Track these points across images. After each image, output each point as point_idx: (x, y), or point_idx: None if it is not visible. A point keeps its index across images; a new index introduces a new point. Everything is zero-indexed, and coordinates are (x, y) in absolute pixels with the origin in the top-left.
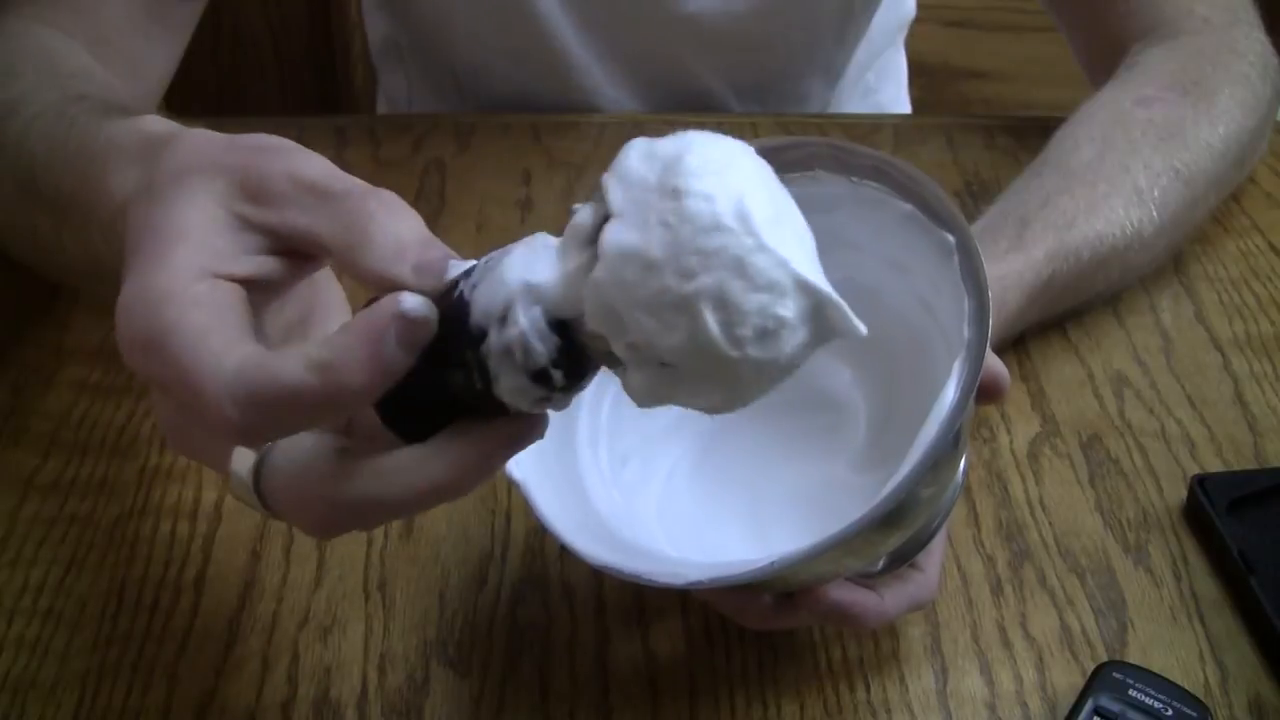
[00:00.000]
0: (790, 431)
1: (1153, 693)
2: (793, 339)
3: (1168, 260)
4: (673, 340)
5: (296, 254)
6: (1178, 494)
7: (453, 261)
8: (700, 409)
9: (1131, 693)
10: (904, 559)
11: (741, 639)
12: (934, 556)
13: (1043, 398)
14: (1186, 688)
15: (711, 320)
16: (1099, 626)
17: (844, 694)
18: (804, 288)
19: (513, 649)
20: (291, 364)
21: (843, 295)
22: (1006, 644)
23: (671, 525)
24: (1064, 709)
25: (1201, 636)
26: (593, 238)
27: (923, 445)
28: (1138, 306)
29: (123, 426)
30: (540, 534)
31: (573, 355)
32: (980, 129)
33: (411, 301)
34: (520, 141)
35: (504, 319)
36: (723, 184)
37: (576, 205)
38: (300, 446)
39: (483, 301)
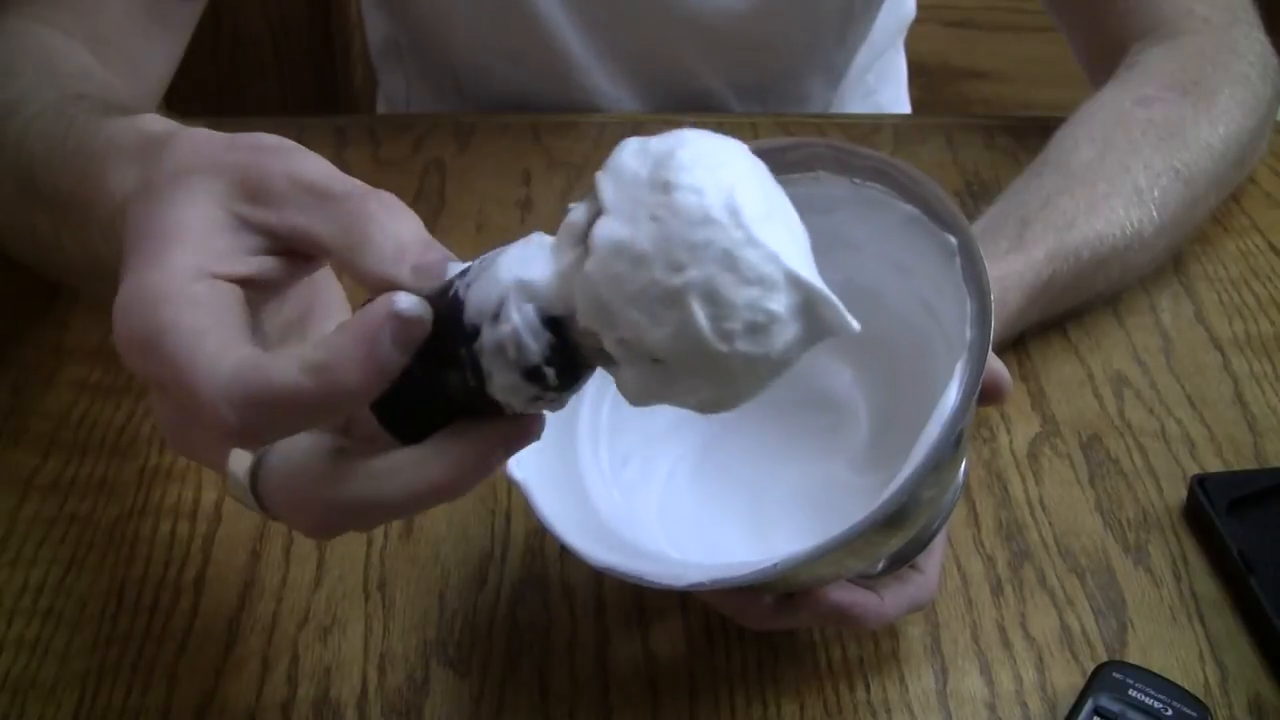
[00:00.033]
0: (791, 431)
1: (1152, 693)
2: (784, 334)
3: (1168, 260)
4: (661, 334)
5: (295, 254)
6: (1178, 494)
7: (451, 264)
8: (694, 408)
9: (1131, 693)
10: (904, 560)
11: (741, 639)
12: (934, 557)
13: (1042, 398)
14: (1186, 688)
15: (700, 314)
16: (1099, 626)
17: (844, 694)
18: (795, 282)
19: (513, 649)
20: (287, 365)
21: (843, 296)
22: (1006, 644)
23: (672, 525)
24: (1064, 709)
25: (1201, 636)
26: (586, 235)
27: (925, 447)
28: (1138, 306)
29: (122, 426)
30: (540, 534)
31: (566, 353)
32: (980, 129)
33: (406, 301)
34: (520, 141)
35: (497, 316)
36: (713, 178)
37: (572, 204)
38: (297, 447)
39: (476, 299)
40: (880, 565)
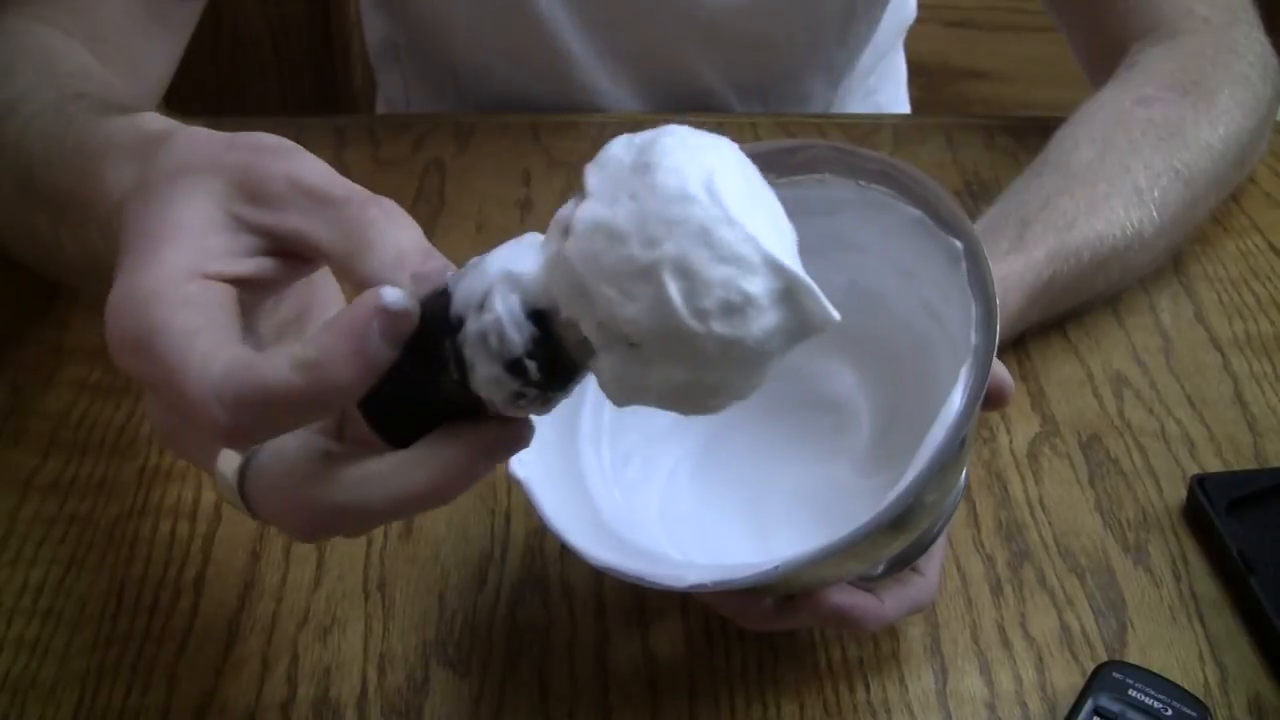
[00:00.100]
0: (793, 432)
1: (1152, 693)
2: (761, 320)
3: (1167, 260)
4: (635, 311)
5: (292, 255)
6: (1177, 494)
7: (450, 273)
8: (673, 405)
9: (1131, 693)
10: (905, 562)
11: (741, 639)
12: (934, 560)
13: (1042, 398)
14: (1186, 688)
15: (674, 289)
16: (1099, 626)
17: (844, 694)
18: (773, 266)
19: (512, 649)
20: (277, 364)
21: (847, 298)
22: (1006, 644)
23: (672, 524)
24: (1064, 709)
25: (1201, 636)
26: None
27: (929, 451)
28: (1137, 306)
29: (122, 426)
30: (540, 534)
31: (549, 347)
32: (980, 129)
33: (392, 295)
34: (520, 141)
35: (482, 306)
36: (694, 160)
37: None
38: (285, 449)
39: (464, 292)
40: (881, 568)
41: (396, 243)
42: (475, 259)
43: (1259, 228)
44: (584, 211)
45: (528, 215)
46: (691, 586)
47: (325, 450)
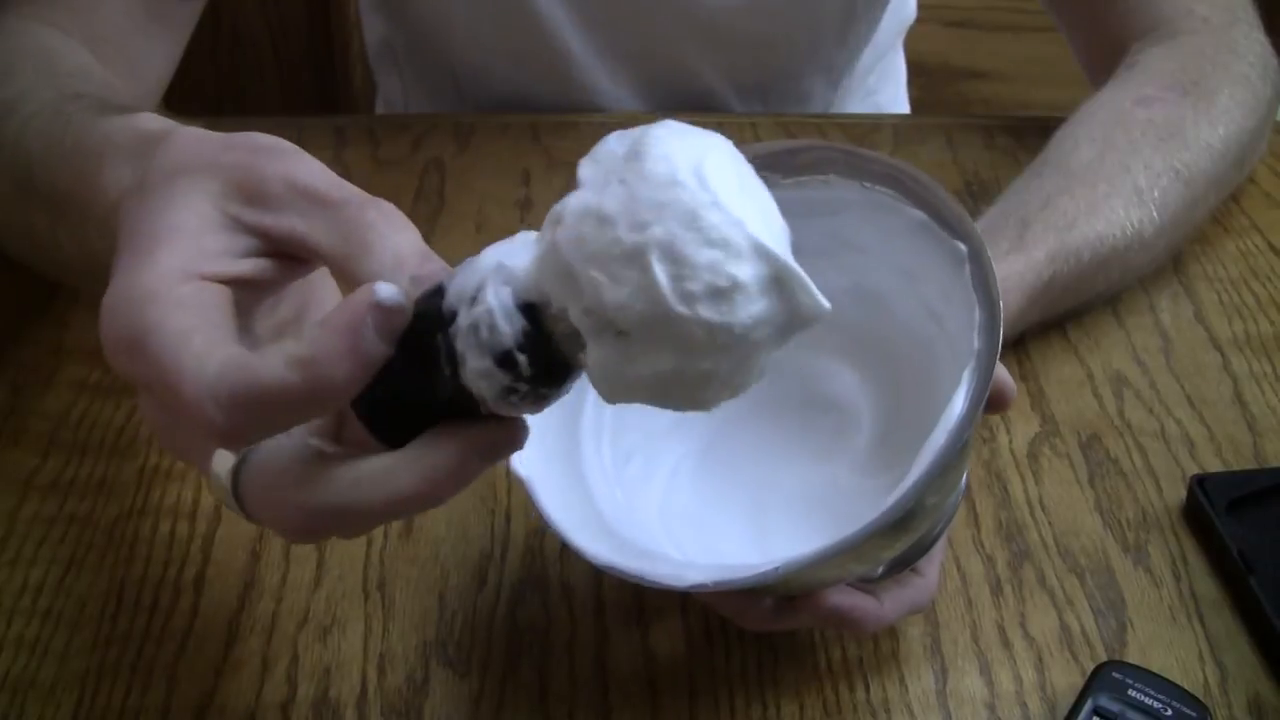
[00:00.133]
0: (794, 432)
1: (1152, 693)
2: (749, 306)
3: (1167, 260)
4: (622, 295)
5: (288, 256)
6: (1177, 494)
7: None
8: (662, 399)
9: (1131, 693)
10: (906, 564)
11: (741, 639)
12: (933, 560)
13: (1042, 398)
14: (1186, 688)
15: (660, 271)
16: (1098, 626)
17: (843, 694)
18: (761, 252)
19: (512, 649)
20: (272, 362)
21: (850, 299)
22: (1006, 644)
23: (673, 523)
24: (1063, 709)
25: (1201, 636)
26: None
27: (931, 454)
28: (1137, 306)
29: (122, 426)
30: (540, 534)
31: (539, 341)
32: (980, 129)
33: (386, 290)
34: (520, 141)
35: (474, 300)
36: (684, 148)
37: None
38: (279, 450)
39: (457, 287)
40: (881, 569)
41: (395, 246)
42: (471, 257)
43: (1259, 228)
44: (574, 199)
45: (527, 215)
46: (691, 586)
47: (319, 451)
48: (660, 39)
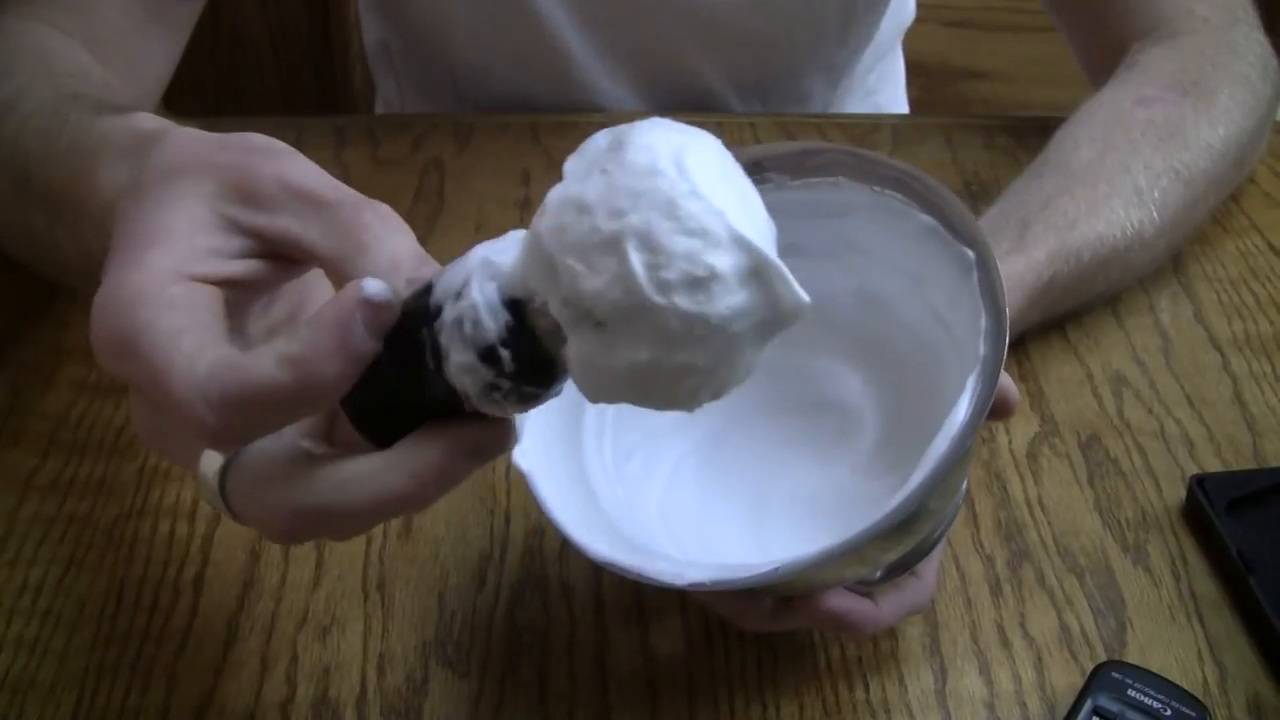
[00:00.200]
0: (796, 433)
1: (1151, 693)
2: (726, 298)
3: (1167, 261)
4: (599, 284)
5: (282, 257)
6: (1177, 494)
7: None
8: (643, 398)
9: (1130, 693)
10: (905, 567)
11: (741, 639)
12: (931, 563)
13: (1042, 398)
14: (1185, 687)
15: (636, 260)
16: (1098, 626)
17: (843, 694)
18: (741, 244)
19: (512, 649)
20: (262, 362)
21: (856, 303)
22: (1005, 644)
23: (672, 521)
24: (1063, 709)
25: (1200, 636)
26: None
27: (933, 459)
28: (1137, 306)
29: (121, 426)
30: (539, 535)
31: (523, 337)
32: (979, 129)
33: (374, 286)
34: (519, 141)
35: (459, 294)
36: (667, 140)
37: None
38: (267, 450)
39: (443, 282)
40: (880, 572)
41: (391, 248)
42: (460, 255)
43: (1259, 228)
44: (556, 189)
45: (527, 215)
46: (690, 585)
47: (307, 452)
48: (660, 38)
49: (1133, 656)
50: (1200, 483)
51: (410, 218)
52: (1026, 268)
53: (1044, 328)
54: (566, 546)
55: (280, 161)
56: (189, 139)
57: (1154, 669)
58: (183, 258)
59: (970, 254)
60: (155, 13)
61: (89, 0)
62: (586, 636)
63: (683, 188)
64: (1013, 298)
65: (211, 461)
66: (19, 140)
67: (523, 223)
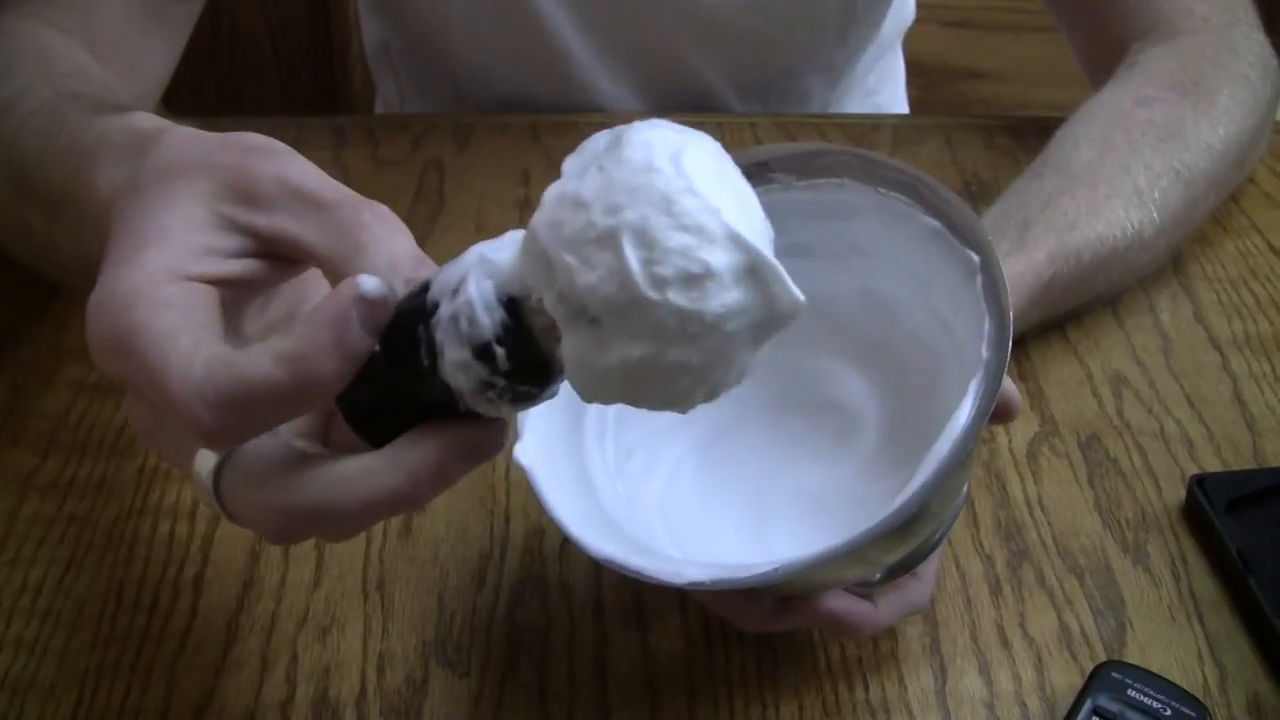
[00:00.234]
0: (798, 434)
1: (1151, 693)
2: (721, 295)
3: (1167, 261)
4: (593, 279)
5: (280, 257)
6: (1176, 494)
7: None
8: (636, 396)
9: (1130, 693)
10: (905, 569)
11: (740, 639)
12: (930, 564)
13: (1041, 398)
14: (1185, 688)
15: (631, 254)
16: (1098, 626)
17: (843, 694)
18: (736, 241)
19: (511, 649)
20: (258, 360)
21: (860, 305)
22: (1005, 644)
23: (672, 520)
24: (1063, 709)
25: (1200, 636)
26: None
27: (934, 462)
28: (1136, 306)
29: (121, 427)
30: (539, 535)
31: (518, 335)
32: (979, 129)
33: (369, 283)
34: (519, 141)
35: (456, 291)
36: (664, 138)
37: None
38: (261, 450)
39: (441, 280)
40: (880, 574)
41: (389, 248)
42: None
43: (1258, 228)
44: (553, 186)
45: (527, 215)
46: (690, 583)
47: (301, 452)
48: (660, 38)
49: (1132, 656)
50: (1200, 483)
51: (410, 218)
52: (1027, 268)
53: (1044, 328)
54: (566, 547)
55: (278, 161)
56: (187, 138)
57: (1154, 669)
58: (178, 257)
59: (975, 258)
60: (155, 13)
61: (89, 0)
62: (586, 637)
63: (679, 184)
64: (1013, 298)
65: (206, 461)
66: (18, 140)
67: (522, 223)
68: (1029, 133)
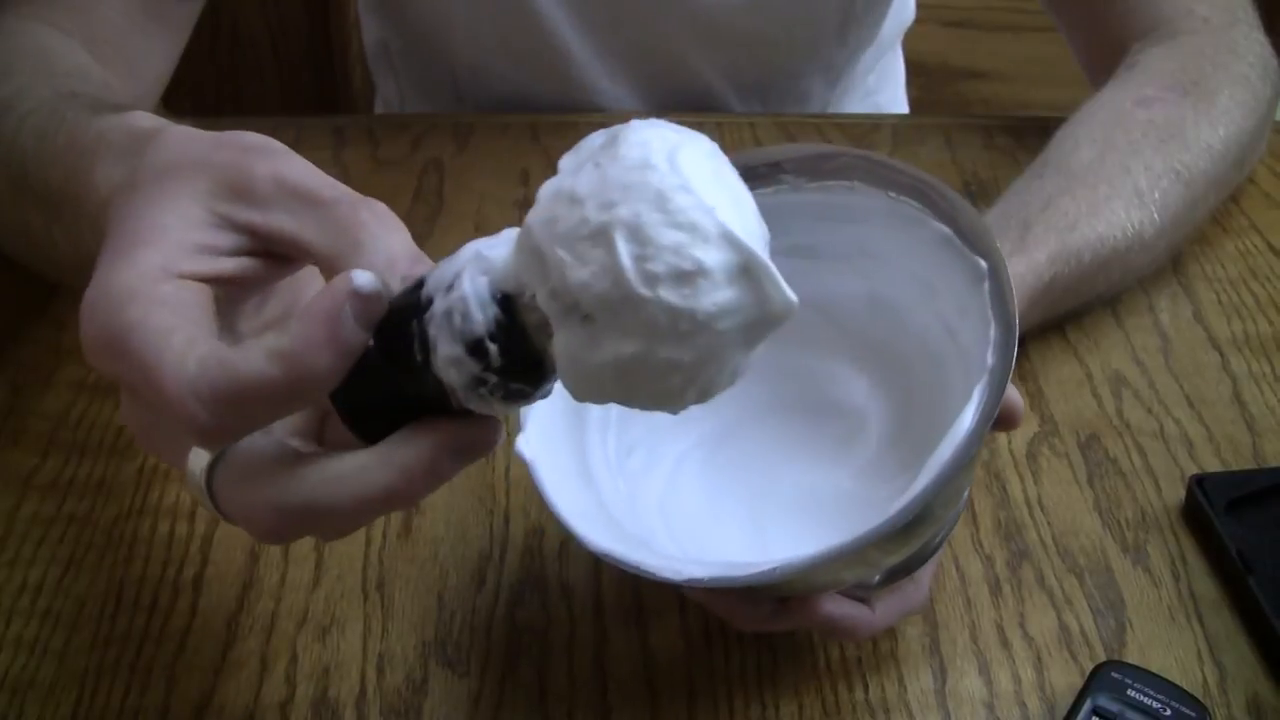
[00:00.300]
0: (800, 435)
1: (1151, 693)
2: (713, 294)
3: (1167, 261)
4: (586, 274)
5: (276, 255)
6: (1176, 494)
7: None
8: (627, 394)
9: (1130, 693)
10: (905, 572)
11: (740, 639)
12: (928, 567)
13: (1041, 398)
14: (1185, 687)
15: (624, 250)
16: (1097, 626)
17: (842, 694)
18: (730, 240)
19: (511, 649)
20: (252, 356)
21: (866, 307)
22: (1005, 644)
23: (672, 518)
24: (1062, 709)
25: (1200, 636)
26: None
27: (936, 467)
28: (1136, 307)
29: (121, 426)
30: (539, 535)
31: (512, 332)
32: (979, 129)
33: (363, 278)
34: (519, 141)
35: (450, 287)
36: (661, 136)
37: None
38: (254, 448)
39: (436, 276)
40: (879, 576)
41: (387, 246)
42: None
43: (1258, 228)
44: (548, 183)
45: (526, 215)
46: (689, 580)
47: (295, 450)
48: (660, 38)
49: (1132, 656)
50: (1200, 483)
51: (409, 218)
52: (1027, 269)
53: (1044, 328)
54: (566, 546)
55: (275, 159)
56: (185, 137)
57: (1154, 669)
58: (173, 255)
59: (983, 264)
60: (155, 13)
61: (89, 0)
62: (586, 636)
63: (673, 182)
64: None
65: (199, 459)
66: (17, 139)
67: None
68: (1029, 133)
